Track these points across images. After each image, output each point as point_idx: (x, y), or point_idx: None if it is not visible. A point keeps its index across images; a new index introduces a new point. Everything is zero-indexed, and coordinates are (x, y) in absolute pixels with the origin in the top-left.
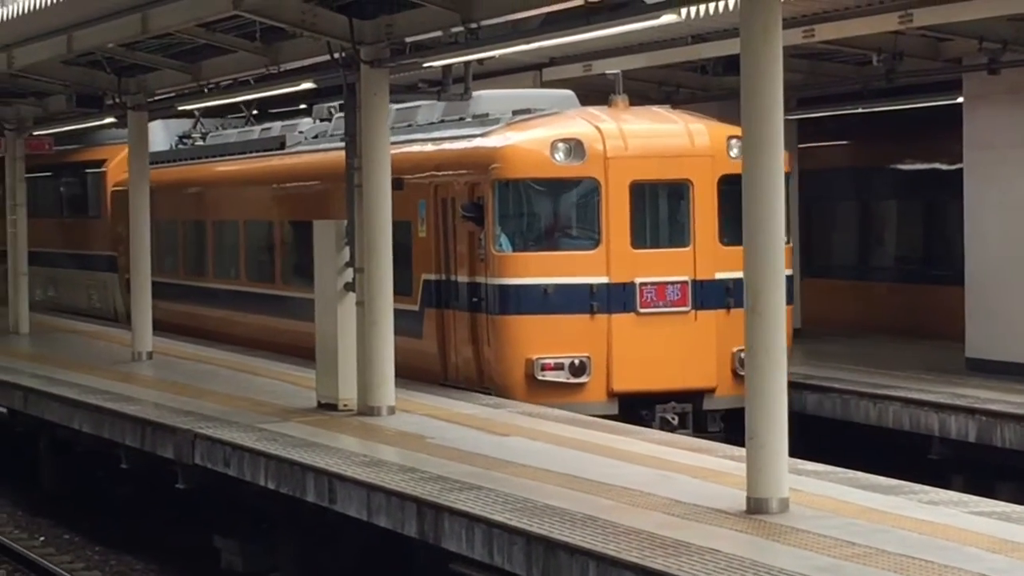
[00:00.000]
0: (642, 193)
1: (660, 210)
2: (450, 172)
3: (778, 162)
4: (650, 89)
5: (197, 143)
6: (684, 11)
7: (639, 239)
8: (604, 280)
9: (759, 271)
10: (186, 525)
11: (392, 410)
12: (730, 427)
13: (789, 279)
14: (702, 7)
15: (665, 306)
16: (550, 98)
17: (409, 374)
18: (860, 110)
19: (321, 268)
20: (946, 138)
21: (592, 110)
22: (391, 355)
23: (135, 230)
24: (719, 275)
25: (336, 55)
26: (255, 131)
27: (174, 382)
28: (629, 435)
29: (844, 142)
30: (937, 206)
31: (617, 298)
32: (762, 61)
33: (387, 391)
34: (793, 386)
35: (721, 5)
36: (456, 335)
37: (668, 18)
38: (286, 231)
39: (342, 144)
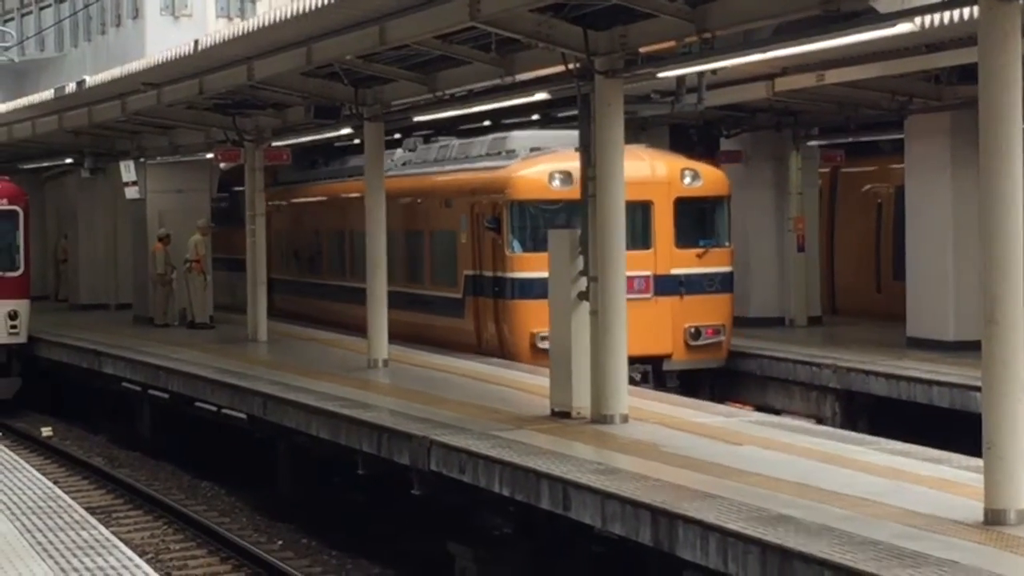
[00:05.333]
0: None
1: (630, 222)
2: (481, 194)
3: (1017, 170)
4: (883, 99)
5: (319, 167)
6: (919, 20)
7: None
8: None
9: (997, 281)
10: (421, 531)
11: (625, 418)
12: (683, 385)
13: (729, 275)
14: (937, 16)
15: (633, 293)
16: (563, 138)
17: (455, 347)
18: None
19: (555, 277)
20: None
21: None
22: (624, 364)
23: (371, 240)
24: (674, 270)
25: (570, 66)
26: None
27: (409, 389)
28: (863, 444)
29: None
30: None
31: None
32: (1001, 69)
33: (621, 399)
34: None
35: (956, 14)
36: (485, 315)
37: (903, 27)
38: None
39: (423, 171)
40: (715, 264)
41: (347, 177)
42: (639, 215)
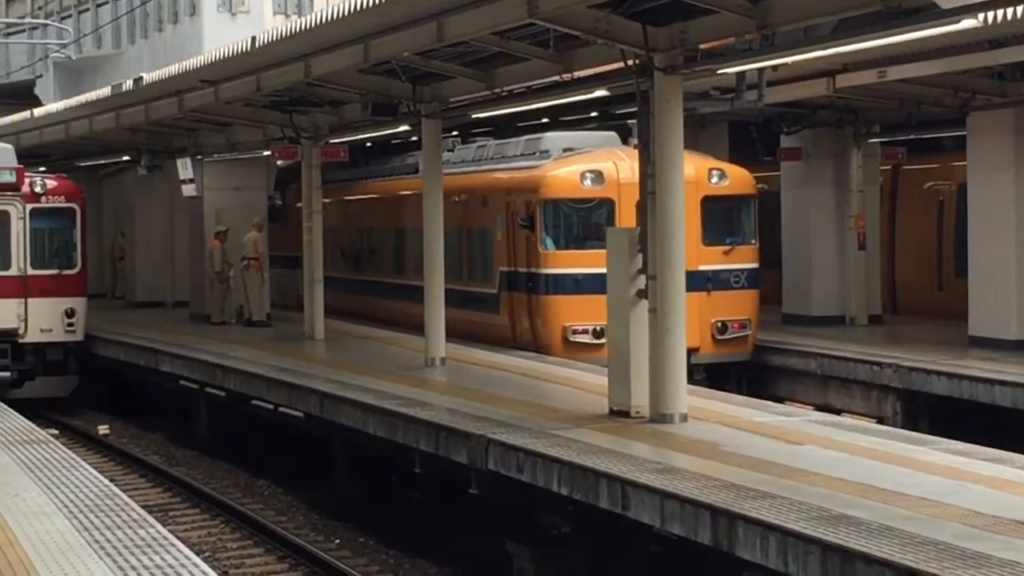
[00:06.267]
0: None
1: None
2: (515, 193)
3: None
4: (945, 95)
5: (362, 165)
6: (982, 15)
7: None
8: None
9: None
10: (478, 530)
11: (684, 417)
12: (710, 377)
13: (755, 271)
14: (1000, 11)
15: None
16: (595, 138)
17: (490, 341)
18: None
19: (614, 275)
20: None
21: (616, 149)
22: (683, 362)
23: (429, 238)
24: (701, 267)
25: (629, 62)
26: (406, 157)
27: (466, 387)
28: (924, 444)
29: None
30: None
31: None
32: None
33: (680, 398)
34: None
35: (1020, 9)
36: (519, 310)
37: (967, 23)
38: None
39: (460, 170)
40: (741, 261)
41: (391, 175)
42: None
